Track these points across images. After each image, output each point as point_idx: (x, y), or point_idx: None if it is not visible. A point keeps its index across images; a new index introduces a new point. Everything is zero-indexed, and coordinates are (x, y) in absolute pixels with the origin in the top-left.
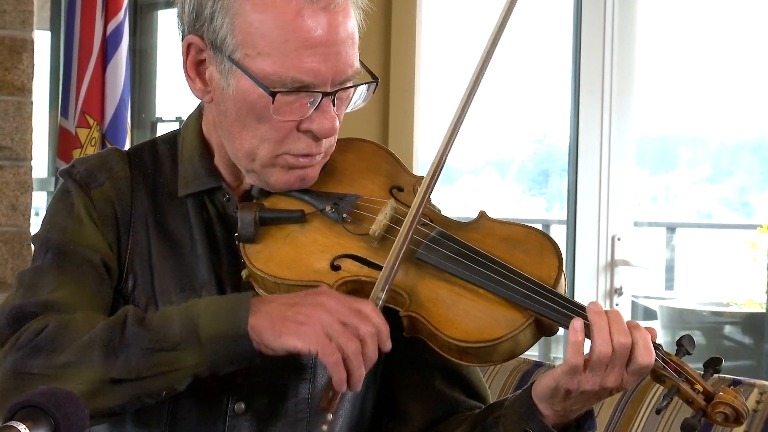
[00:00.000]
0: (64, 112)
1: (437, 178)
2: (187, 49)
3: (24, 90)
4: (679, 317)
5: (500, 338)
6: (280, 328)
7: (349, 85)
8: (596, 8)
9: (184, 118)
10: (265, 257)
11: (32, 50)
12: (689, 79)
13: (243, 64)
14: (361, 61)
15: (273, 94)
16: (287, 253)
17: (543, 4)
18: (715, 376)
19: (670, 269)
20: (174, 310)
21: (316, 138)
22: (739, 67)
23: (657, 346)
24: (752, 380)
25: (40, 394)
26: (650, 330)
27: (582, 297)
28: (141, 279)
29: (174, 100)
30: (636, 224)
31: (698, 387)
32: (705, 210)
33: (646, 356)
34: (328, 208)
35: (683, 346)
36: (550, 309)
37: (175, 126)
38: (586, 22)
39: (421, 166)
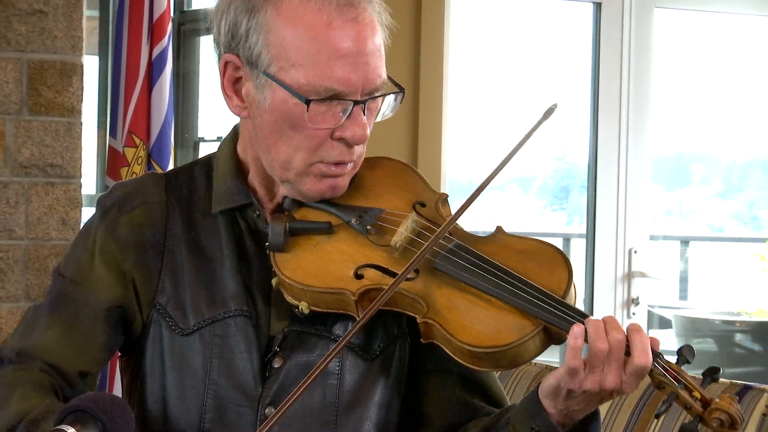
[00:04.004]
0: (113, 132)
1: (469, 205)
2: (224, 67)
3: (74, 111)
4: (693, 326)
5: (510, 344)
6: None
7: (377, 94)
8: (614, 32)
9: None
10: (293, 265)
11: (81, 74)
12: (702, 100)
13: (278, 77)
14: (387, 76)
15: (308, 102)
16: (314, 261)
17: (563, 29)
18: (725, 381)
19: (684, 280)
20: None
21: (349, 145)
22: (749, 89)
23: (658, 354)
24: (762, 386)
25: (87, 398)
26: (652, 338)
27: (600, 307)
28: (173, 294)
29: (215, 121)
30: (652, 238)
31: (696, 394)
32: (717, 224)
33: (643, 357)
34: (353, 220)
35: (683, 355)
36: (559, 318)
37: (217, 145)
38: (604, 46)
39: (448, 182)
